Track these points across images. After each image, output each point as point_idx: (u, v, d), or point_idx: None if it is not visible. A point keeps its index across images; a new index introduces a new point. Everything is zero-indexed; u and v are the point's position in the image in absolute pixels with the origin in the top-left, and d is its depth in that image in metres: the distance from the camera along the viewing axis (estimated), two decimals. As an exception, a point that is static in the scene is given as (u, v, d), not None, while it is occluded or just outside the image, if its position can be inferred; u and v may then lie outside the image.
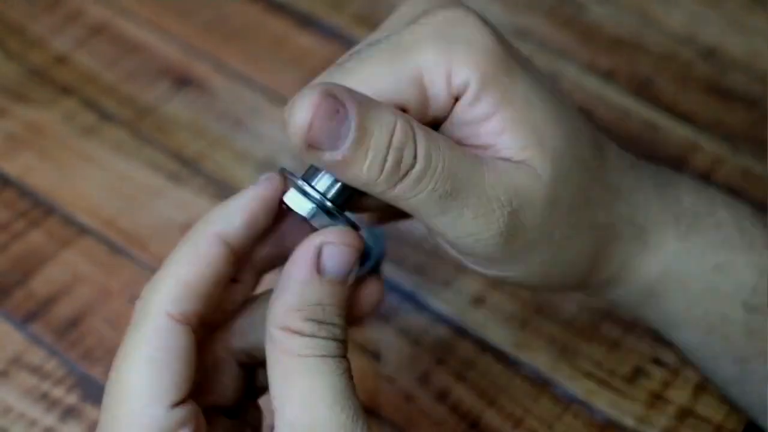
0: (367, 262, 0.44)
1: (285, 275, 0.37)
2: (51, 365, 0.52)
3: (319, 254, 0.37)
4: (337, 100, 0.35)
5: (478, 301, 0.54)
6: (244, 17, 0.67)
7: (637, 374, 0.52)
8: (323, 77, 0.38)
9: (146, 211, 0.58)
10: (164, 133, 0.61)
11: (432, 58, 0.37)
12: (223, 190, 0.58)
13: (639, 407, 0.50)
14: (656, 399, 0.51)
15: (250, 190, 0.39)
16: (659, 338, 0.52)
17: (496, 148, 0.37)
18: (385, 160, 0.35)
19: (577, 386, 0.51)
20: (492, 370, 0.52)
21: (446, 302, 0.54)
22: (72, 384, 0.51)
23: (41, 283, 0.55)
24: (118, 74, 0.64)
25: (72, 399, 0.51)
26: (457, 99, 0.37)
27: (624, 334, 0.53)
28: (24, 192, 0.58)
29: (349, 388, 0.36)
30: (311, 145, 0.35)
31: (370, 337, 0.52)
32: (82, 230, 0.57)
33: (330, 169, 0.36)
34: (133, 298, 0.54)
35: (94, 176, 0.59)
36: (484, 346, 0.52)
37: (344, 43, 0.65)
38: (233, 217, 0.38)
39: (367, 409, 0.49)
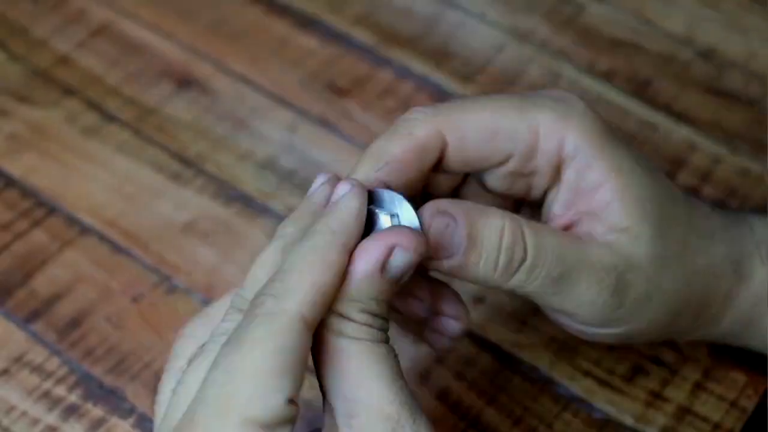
0: None
1: (351, 264, 0.38)
2: (53, 364, 0.52)
3: (388, 253, 0.38)
4: (447, 214, 0.40)
5: (478, 300, 0.54)
6: (246, 18, 0.67)
7: (636, 373, 0.52)
8: (453, 104, 0.43)
9: (148, 211, 0.58)
10: (166, 134, 0.61)
11: (551, 117, 0.42)
12: (224, 190, 0.59)
13: (638, 406, 0.51)
14: (655, 398, 0.51)
15: (353, 198, 0.39)
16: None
17: (604, 215, 0.42)
18: (497, 260, 0.41)
19: (576, 385, 0.51)
20: (492, 369, 0.52)
21: (446, 301, 0.54)
22: (74, 383, 0.52)
23: (43, 283, 0.55)
24: (120, 75, 0.64)
25: (74, 398, 0.51)
26: (559, 165, 0.43)
27: (623, 333, 0.53)
28: (26, 192, 0.59)
29: (400, 369, 0.38)
30: (427, 255, 0.39)
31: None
32: (84, 230, 0.57)
33: (449, 272, 0.41)
34: (135, 297, 0.54)
35: (96, 176, 0.59)
36: (483, 345, 0.53)
37: (345, 44, 0.65)
38: (353, 227, 0.39)
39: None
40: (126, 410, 0.51)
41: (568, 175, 0.43)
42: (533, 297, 0.43)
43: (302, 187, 0.58)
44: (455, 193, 0.46)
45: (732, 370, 0.52)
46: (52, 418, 0.50)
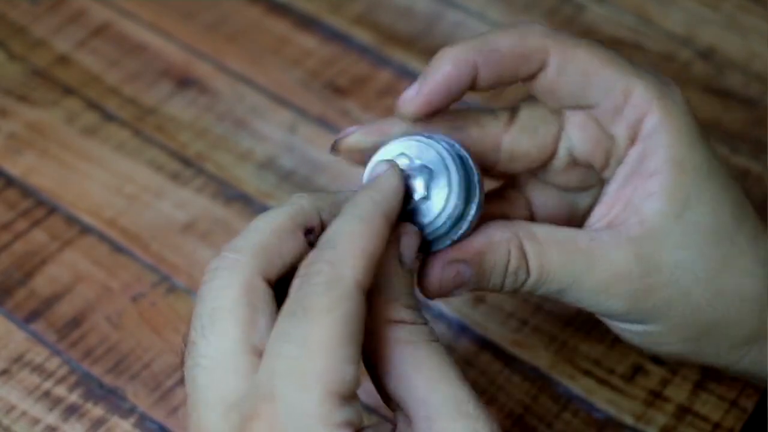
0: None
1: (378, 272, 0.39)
2: (53, 364, 0.52)
3: (398, 245, 0.40)
4: (456, 262, 0.42)
5: (478, 299, 0.54)
6: (245, 18, 0.67)
7: (636, 372, 0.52)
8: (570, 36, 0.43)
9: (148, 211, 0.58)
10: (166, 134, 0.61)
11: (646, 90, 0.42)
12: (224, 190, 0.59)
13: (638, 405, 0.51)
14: (655, 397, 0.51)
15: (393, 176, 0.41)
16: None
17: (643, 206, 0.42)
18: (504, 282, 0.42)
19: (576, 384, 0.51)
20: (491, 368, 0.52)
21: (446, 301, 0.54)
22: (74, 383, 0.52)
23: (43, 283, 0.55)
24: (120, 75, 0.64)
25: (74, 397, 0.51)
26: (634, 139, 0.43)
27: (623, 333, 0.53)
28: (26, 192, 0.59)
29: (457, 366, 0.39)
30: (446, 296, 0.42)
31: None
32: (84, 230, 0.57)
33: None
34: (135, 297, 0.54)
35: (96, 176, 0.59)
36: (483, 344, 0.53)
37: (345, 44, 0.65)
38: (393, 201, 0.40)
39: (368, 408, 0.50)
40: (126, 410, 0.51)
41: (634, 151, 0.43)
42: (549, 298, 0.44)
43: (302, 186, 0.58)
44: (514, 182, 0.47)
45: (732, 370, 0.52)
46: (52, 418, 0.50)
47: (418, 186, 0.41)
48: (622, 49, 0.65)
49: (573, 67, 0.42)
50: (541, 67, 0.43)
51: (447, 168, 0.41)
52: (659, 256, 0.42)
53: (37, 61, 0.64)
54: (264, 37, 0.66)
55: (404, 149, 0.41)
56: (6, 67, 0.64)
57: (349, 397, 0.36)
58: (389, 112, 0.61)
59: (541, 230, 0.43)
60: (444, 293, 0.42)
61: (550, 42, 0.43)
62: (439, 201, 0.41)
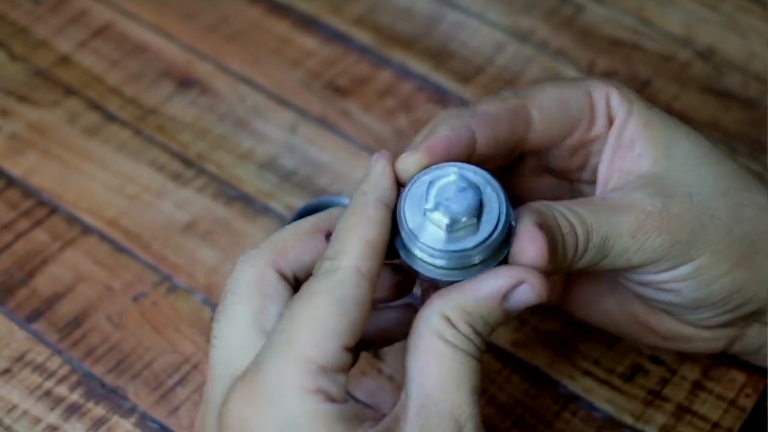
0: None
1: (476, 281, 0.40)
2: (54, 363, 0.52)
3: (515, 286, 0.40)
4: (539, 227, 0.41)
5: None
6: (246, 19, 0.67)
7: (635, 372, 0.52)
8: (523, 88, 0.46)
9: (149, 211, 0.58)
10: (167, 134, 0.61)
11: (597, 83, 0.47)
12: (225, 190, 0.59)
13: (637, 405, 0.51)
14: (654, 397, 0.51)
15: (378, 161, 0.42)
16: (657, 336, 0.53)
17: (636, 167, 0.45)
18: (564, 249, 0.43)
19: (575, 384, 0.51)
20: (491, 368, 0.52)
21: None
22: (75, 382, 0.52)
23: (44, 282, 0.55)
24: (121, 75, 0.64)
25: (75, 397, 0.51)
26: (611, 123, 0.46)
27: (622, 333, 0.53)
28: (28, 192, 0.59)
29: (479, 388, 0.39)
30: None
31: (370, 335, 0.52)
32: (85, 230, 0.57)
33: None
34: (136, 297, 0.55)
35: (97, 176, 0.59)
36: (483, 345, 0.53)
37: (345, 44, 0.65)
38: (384, 184, 0.42)
39: (368, 408, 0.50)
40: (127, 409, 0.51)
41: (612, 133, 0.46)
42: (599, 270, 0.44)
43: (302, 186, 0.58)
44: (507, 173, 0.48)
45: (731, 369, 0.52)
46: (53, 418, 0.51)
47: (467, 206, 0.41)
48: (622, 49, 0.65)
49: (550, 104, 0.46)
50: (528, 127, 0.45)
51: (494, 190, 0.41)
52: (670, 189, 0.44)
53: (39, 61, 0.65)
54: (265, 37, 0.66)
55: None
56: (7, 67, 0.64)
57: (330, 369, 0.39)
58: (389, 112, 0.62)
59: (561, 202, 0.44)
60: (542, 259, 0.41)
61: (521, 98, 0.45)
62: (490, 223, 0.41)
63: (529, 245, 0.41)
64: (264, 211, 0.58)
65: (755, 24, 0.66)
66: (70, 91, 0.63)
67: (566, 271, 0.44)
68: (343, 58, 0.65)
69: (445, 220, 0.40)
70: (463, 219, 0.40)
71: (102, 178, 0.59)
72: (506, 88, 0.47)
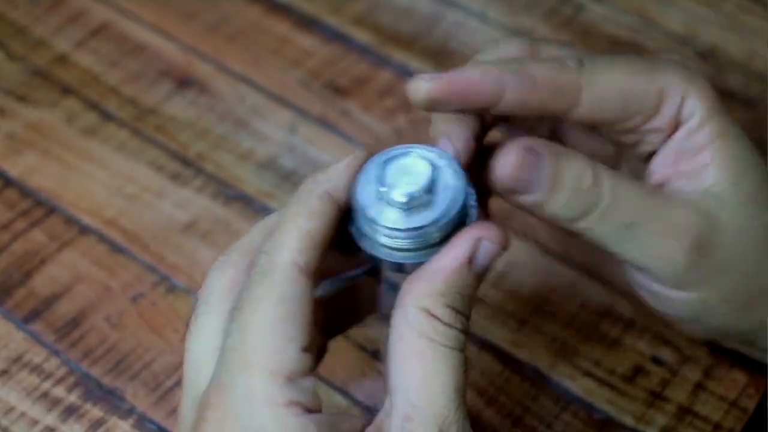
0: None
1: (437, 258, 0.39)
2: (52, 364, 0.52)
3: (476, 246, 0.39)
4: (534, 152, 0.41)
5: (477, 299, 0.54)
6: (245, 18, 0.67)
7: (636, 373, 0.52)
8: (595, 61, 0.43)
9: (147, 211, 0.58)
10: (166, 134, 0.61)
11: (676, 81, 0.43)
12: (224, 190, 0.59)
13: (638, 406, 0.51)
14: (655, 398, 0.51)
15: (351, 157, 0.41)
16: (658, 337, 0.52)
17: (698, 177, 0.43)
18: (575, 199, 0.41)
19: (576, 385, 0.51)
20: (491, 369, 0.52)
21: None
22: (73, 383, 0.52)
23: (42, 283, 0.55)
24: (119, 75, 0.64)
25: (73, 398, 0.51)
26: (677, 126, 0.43)
27: (623, 333, 0.53)
28: (25, 192, 0.59)
29: (465, 385, 0.38)
30: (511, 189, 0.41)
31: (369, 336, 0.52)
32: (84, 230, 0.57)
33: (526, 206, 0.42)
34: (134, 297, 0.54)
35: (95, 176, 0.59)
36: (483, 345, 0.53)
37: (345, 44, 0.65)
38: (338, 176, 0.41)
39: (368, 408, 0.50)
40: (125, 411, 0.51)
41: (678, 135, 0.44)
42: (604, 243, 0.43)
43: (302, 187, 0.58)
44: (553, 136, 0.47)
45: (732, 370, 0.52)
46: (51, 419, 0.50)
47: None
48: (622, 48, 0.65)
49: (607, 94, 0.43)
50: (571, 106, 0.42)
51: (455, 172, 0.40)
52: (719, 217, 0.43)
53: (37, 61, 0.64)
54: (264, 37, 0.66)
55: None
56: (6, 67, 0.64)
57: (296, 376, 0.37)
58: (390, 112, 0.62)
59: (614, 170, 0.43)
60: (515, 183, 0.41)
61: (581, 78, 0.42)
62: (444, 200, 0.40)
63: (506, 160, 0.40)
64: (263, 211, 0.58)
65: (756, 24, 0.66)
66: (68, 91, 0.63)
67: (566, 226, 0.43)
68: (343, 58, 0.65)
69: (401, 198, 0.39)
70: (418, 194, 0.39)
71: (101, 178, 0.59)
72: (573, 47, 0.44)
